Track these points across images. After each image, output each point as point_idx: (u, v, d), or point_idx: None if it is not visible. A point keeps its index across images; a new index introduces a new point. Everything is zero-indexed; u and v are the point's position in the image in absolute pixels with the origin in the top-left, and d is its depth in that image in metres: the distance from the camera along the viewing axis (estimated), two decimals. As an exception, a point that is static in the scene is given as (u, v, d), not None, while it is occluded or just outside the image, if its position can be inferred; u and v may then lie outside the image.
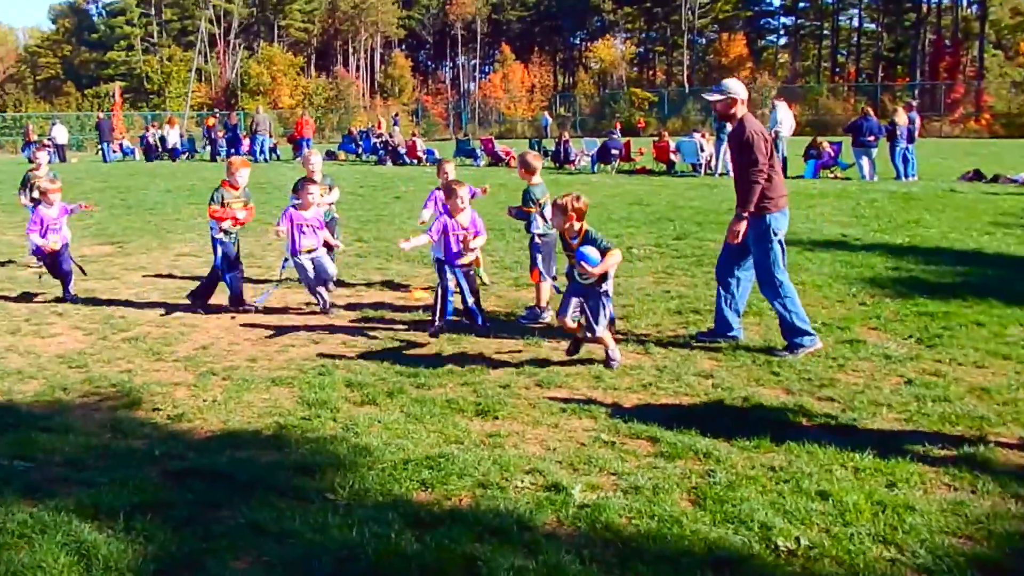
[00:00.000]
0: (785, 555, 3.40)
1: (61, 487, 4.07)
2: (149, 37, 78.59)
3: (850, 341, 6.42)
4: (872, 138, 19.72)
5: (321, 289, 7.65)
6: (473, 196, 7.13)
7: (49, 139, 36.51)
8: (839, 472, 4.13)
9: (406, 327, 7.17)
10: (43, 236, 8.32)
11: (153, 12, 78.31)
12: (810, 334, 6.25)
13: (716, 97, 6.39)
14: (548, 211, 6.74)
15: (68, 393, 5.53)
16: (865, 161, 19.89)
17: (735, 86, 6.39)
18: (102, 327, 7.28)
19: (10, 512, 3.76)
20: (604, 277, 5.86)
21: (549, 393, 5.45)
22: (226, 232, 7.78)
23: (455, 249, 6.66)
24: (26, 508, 3.80)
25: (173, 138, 35.23)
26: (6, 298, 8.60)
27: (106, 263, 10.42)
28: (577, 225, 5.79)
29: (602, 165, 24.45)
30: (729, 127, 6.61)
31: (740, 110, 6.31)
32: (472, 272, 6.91)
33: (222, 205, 7.72)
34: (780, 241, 6.29)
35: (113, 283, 9.20)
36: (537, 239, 7.41)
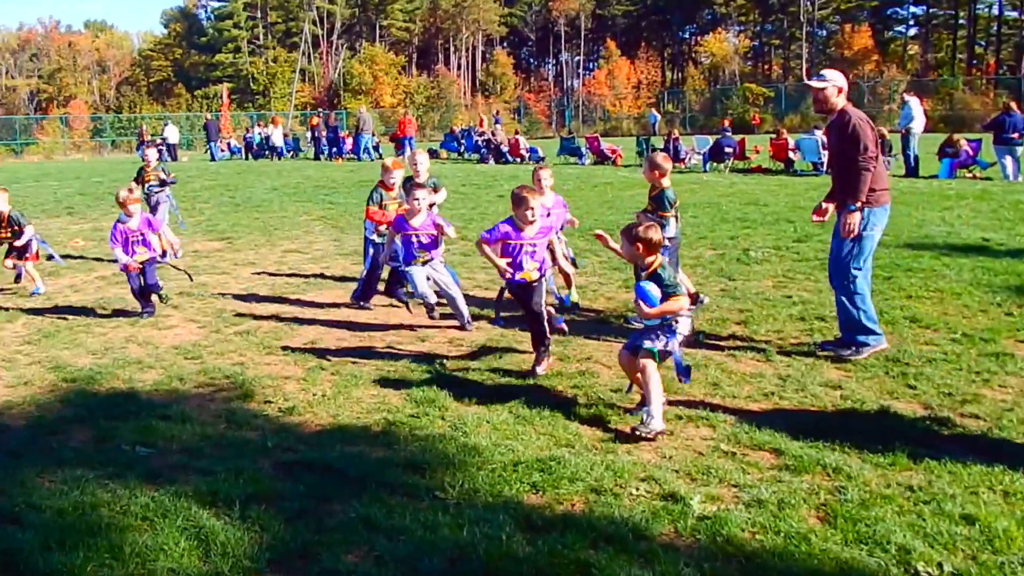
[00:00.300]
0: (926, 580, 3.25)
1: (180, 474, 4.26)
2: (255, 39, 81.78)
3: (995, 354, 6.07)
4: (1016, 135, 18.75)
5: (459, 303, 7.05)
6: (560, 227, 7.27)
7: (161, 139, 38.42)
8: (986, 495, 3.91)
9: (515, 327, 7.20)
10: (129, 252, 7.84)
11: (259, 15, 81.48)
12: (876, 333, 6.13)
13: (818, 84, 6.25)
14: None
15: (185, 383, 5.79)
16: (1008, 160, 18.92)
17: (835, 75, 6.30)
18: (215, 320, 7.61)
19: (133, 495, 3.95)
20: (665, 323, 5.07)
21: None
22: (380, 234, 7.81)
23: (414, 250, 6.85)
24: (148, 492, 3.99)
25: (277, 138, 36.52)
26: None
27: (217, 258, 10.87)
28: (649, 259, 5.04)
29: (715, 164, 24.05)
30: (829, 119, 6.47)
31: (840, 100, 6.21)
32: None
33: (380, 207, 7.80)
34: (872, 237, 6.15)
35: (224, 278, 9.59)
36: (667, 242, 7.30)
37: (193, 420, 5.04)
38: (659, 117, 53.14)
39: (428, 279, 6.86)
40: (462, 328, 7.09)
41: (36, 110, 78.95)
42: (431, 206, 8.31)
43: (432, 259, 6.90)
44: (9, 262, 9.24)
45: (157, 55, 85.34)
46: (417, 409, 5.19)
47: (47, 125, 61.84)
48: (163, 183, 11.26)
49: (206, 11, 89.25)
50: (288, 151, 37.25)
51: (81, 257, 11.39)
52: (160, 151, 11.52)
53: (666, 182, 7.54)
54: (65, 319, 7.81)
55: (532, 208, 5.89)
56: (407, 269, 6.85)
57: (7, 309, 8.26)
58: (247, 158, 35.95)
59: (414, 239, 6.81)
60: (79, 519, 3.74)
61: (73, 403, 5.42)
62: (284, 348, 6.61)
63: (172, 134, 38.27)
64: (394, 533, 3.61)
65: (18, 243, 9.00)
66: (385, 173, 8.02)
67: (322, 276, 9.60)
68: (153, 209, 10.90)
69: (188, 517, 3.73)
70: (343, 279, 9.43)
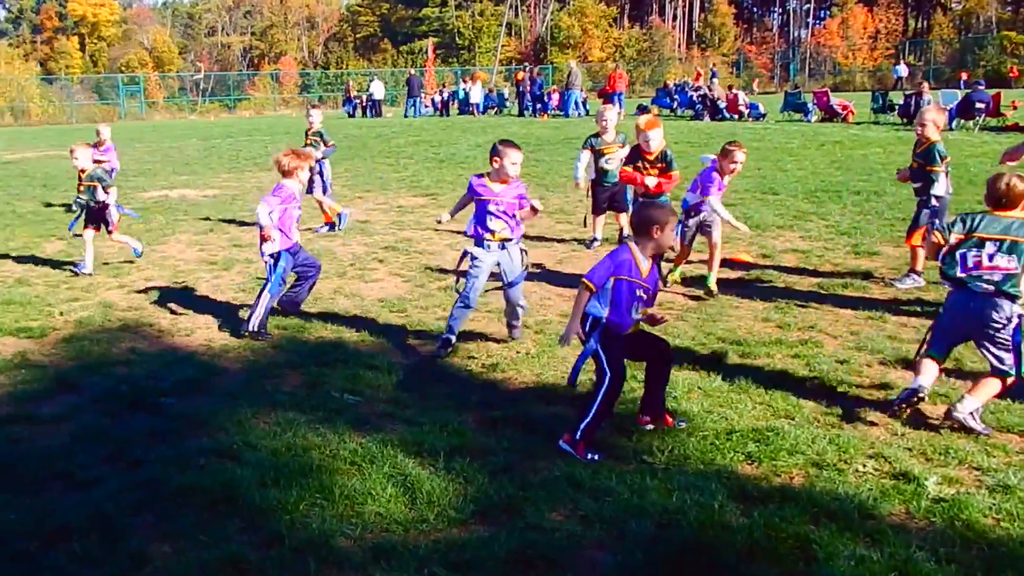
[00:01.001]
0: None
1: (386, 422, 4.53)
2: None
3: None
4: None
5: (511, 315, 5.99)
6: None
7: (368, 94, 40.37)
8: None
9: (728, 292, 7.07)
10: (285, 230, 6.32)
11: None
12: None
13: None
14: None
15: (389, 335, 6.12)
16: None
17: None
18: (419, 275, 7.98)
19: (342, 441, 4.24)
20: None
21: (897, 373, 5.14)
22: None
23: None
24: (356, 438, 4.28)
25: (476, 95, 37.36)
26: (335, 248, 9.66)
27: (421, 214, 11.34)
28: None
29: (962, 121, 22.34)
30: None
31: None
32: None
33: (635, 169, 7.53)
34: None
35: (428, 233, 10.01)
36: (935, 201, 7.11)
37: (398, 371, 5.33)
38: (906, 70, 50.00)
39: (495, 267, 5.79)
40: (510, 336, 5.99)
41: (248, 66, 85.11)
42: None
43: (512, 240, 5.79)
44: (89, 232, 8.51)
45: (364, 10, 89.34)
46: (628, 372, 5.21)
47: (258, 81, 66.53)
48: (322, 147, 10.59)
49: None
50: (491, 106, 38.11)
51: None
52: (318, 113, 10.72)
53: (935, 135, 7.30)
54: (278, 269, 8.42)
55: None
56: (472, 250, 5.77)
57: (223, 258, 9.00)
58: (442, 115, 37.12)
59: (493, 208, 5.72)
60: (292, 460, 4.06)
61: (285, 350, 5.87)
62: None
63: (378, 90, 40.05)
64: (600, 494, 3.68)
65: (96, 204, 8.44)
66: (639, 133, 7.49)
67: (526, 234, 9.79)
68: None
69: (395, 465, 3.96)
70: (542, 239, 9.58)
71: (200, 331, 6.38)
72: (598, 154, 8.95)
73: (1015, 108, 22.52)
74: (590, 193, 9.17)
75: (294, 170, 6.37)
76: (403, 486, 3.78)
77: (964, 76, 50.22)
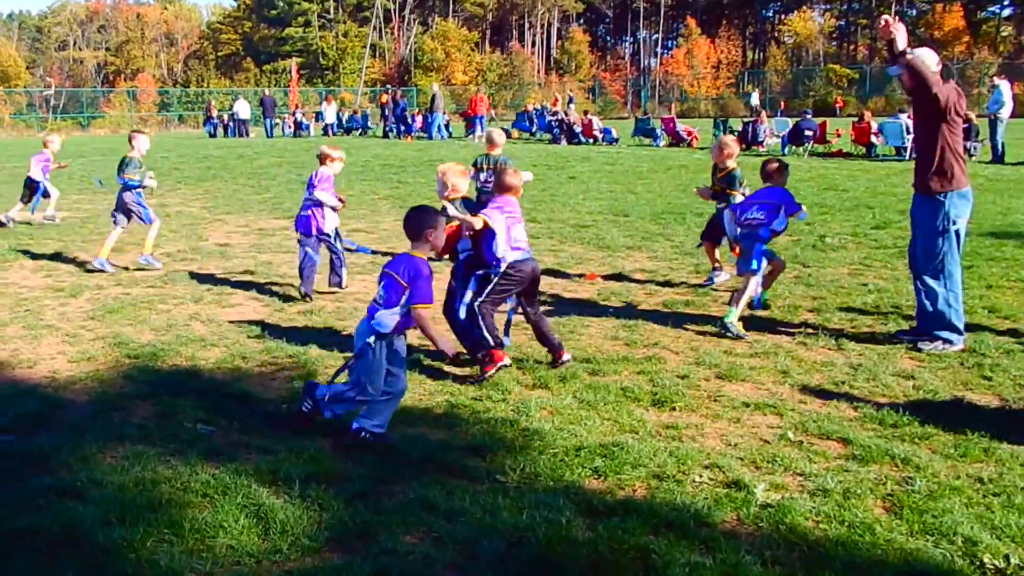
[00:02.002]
0: (992, 573, 3.24)
1: (241, 452, 4.40)
2: (326, 13, 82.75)
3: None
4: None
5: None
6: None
7: (231, 113, 39.25)
8: (1062, 490, 3.85)
9: (580, 311, 7.23)
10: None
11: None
12: (960, 333, 6.11)
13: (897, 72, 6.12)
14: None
15: (247, 362, 5.96)
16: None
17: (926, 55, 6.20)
18: (278, 299, 7.79)
19: (194, 472, 4.10)
20: None
21: (731, 387, 5.37)
22: None
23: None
24: (209, 469, 4.14)
25: (330, 115, 36.92)
26: (191, 272, 9.34)
27: (282, 236, 11.11)
28: None
29: (793, 147, 23.66)
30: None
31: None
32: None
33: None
34: (958, 230, 6.09)
35: (288, 256, 9.78)
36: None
37: (255, 399, 5.20)
38: (757, 97, 52.19)
39: None
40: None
41: (103, 83, 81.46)
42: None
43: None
44: None
45: (226, 28, 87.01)
46: (479, 392, 5.27)
47: (114, 98, 63.73)
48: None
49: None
50: (355, 127, 37.81)
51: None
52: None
53: (732, 163, 8.16)
54: (129, 294, 8.08)
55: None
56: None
57: (70, 284, 8.57)
58: (295, 135, 36.79)
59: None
60: (140, 495, 3.88)
61: (136, 379, 5.61)
62: (347, 328, 6.74)
63: (243, 109, 39.03)
64: (453, 515, 3.69)
65: None
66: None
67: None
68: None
69: (248, 495, 3.85)
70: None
71: (44, 362, 6.04)
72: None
73: (839, 135, 23.99)
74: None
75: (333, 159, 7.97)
76: (256, 516, 3.68)
77: (782, 105, 53.25)
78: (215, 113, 41.27)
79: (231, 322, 7.03)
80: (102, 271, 8.99)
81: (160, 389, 5.36)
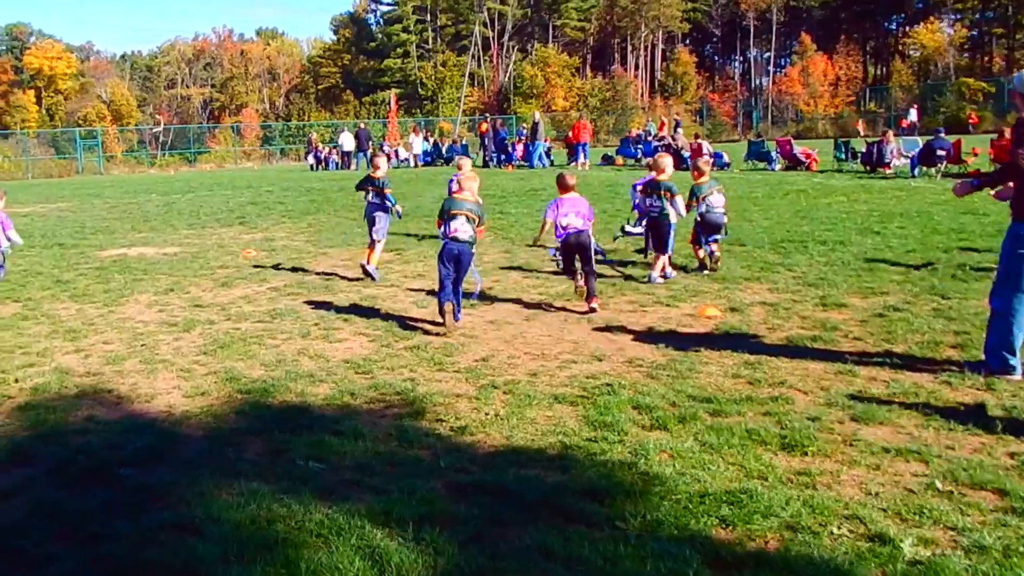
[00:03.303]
0: None
1: (353, 491, 4.48)
2: (424, 44, 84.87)
3: None
4: None
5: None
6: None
7: (337, 146, 40.46)
8: None
9: (697, 347, 7.12)
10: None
11: (428, 18, 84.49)
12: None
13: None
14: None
15: (356, 398, 6.08)
16: None
17: None
18: (385, 334, 7.94)
19: (308, 512, 4.19)
20: None
21: (868, 430, 5.17)
22: None
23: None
24: (322, 509, 4.22)
25: (417, 147, 37.47)
26: (297, 306, 9.63)
27: (386, 270, 11.34)
28: None
29: (924, 168, 22.87)
30: None
31: None
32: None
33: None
34: None
35: (394, 291, 10.01)
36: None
37: (365, 436, 5.28)
38: (915, 113, 50.71)
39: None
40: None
41: (209, 119, 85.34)
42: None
43: None
44: None
45: (326, 61, 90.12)
46: (594, 433, 5.23)
47: (219, 134, 66.73)
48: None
49: (375, 16, 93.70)
50: (457, 156, 38.42)
51: (257, 266, 12.16)
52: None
53: (664, 177, 10.15)
54: (239, 329, 8.38)
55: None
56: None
57: (183, 319, 8.93)
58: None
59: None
60: (256, 532, 3.99)
61: (248, 415, 5.80)
62: (455, 365, 6.82)
63: (347, 142, 40.19)
64: (572, 563, 3.65)
65: None
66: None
67: (492, 288, 9.83)
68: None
69: (362, 536, 3.91)
70: (514, 292, 9.62)
71: (160, 397, 6.30)
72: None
73: (976, 155, 23.10)
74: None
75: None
76: (371, 559, 3.73)
77: (904, 124, 51.63)
78: (317, 146, 42.63)
79: (339, 358, 7.19)
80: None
81: (272, 425, 5.52)
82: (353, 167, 38.90)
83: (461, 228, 7.97)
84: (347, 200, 21.60)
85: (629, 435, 5.19)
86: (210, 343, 7.84)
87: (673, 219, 9.98)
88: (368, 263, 10.70)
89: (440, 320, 7.99)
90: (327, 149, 41.67)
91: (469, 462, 4.85)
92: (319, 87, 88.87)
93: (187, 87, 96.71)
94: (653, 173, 10.48)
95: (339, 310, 9.04)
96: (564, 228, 8.64)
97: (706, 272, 10.28)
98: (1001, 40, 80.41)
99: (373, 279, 10.56)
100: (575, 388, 6.13)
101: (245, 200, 23.65)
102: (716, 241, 10.52)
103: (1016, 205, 6.06)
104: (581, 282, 8.70)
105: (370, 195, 10.79)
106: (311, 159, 41.69)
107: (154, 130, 64.19)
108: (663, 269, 10.05)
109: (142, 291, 10.60)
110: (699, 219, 10.40)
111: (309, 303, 9.51)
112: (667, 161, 10.33)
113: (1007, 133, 22.17)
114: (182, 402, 6.16)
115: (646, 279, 10.01)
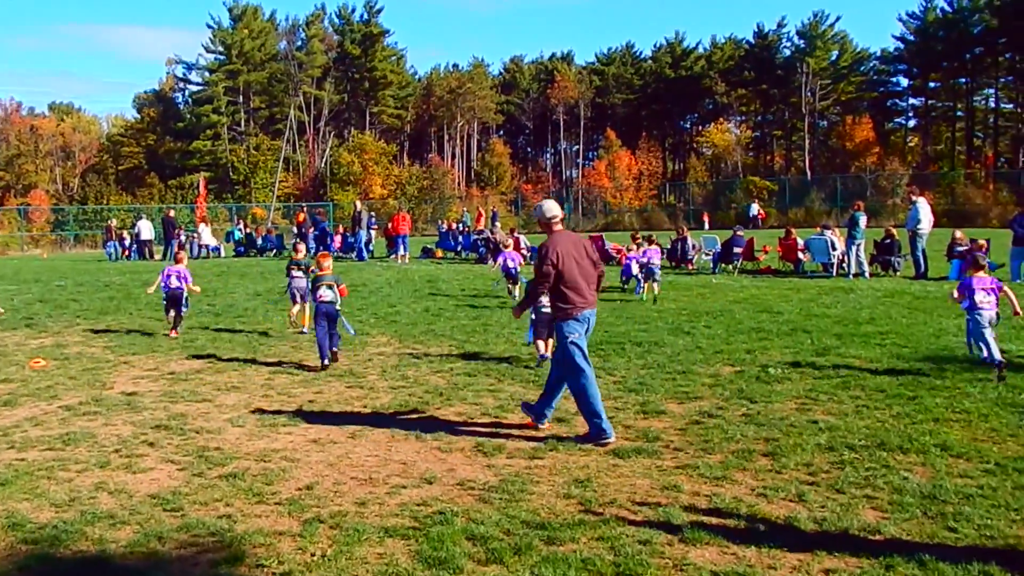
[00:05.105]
0: None
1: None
2: (236, 126, 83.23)
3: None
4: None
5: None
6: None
7: (134, 233, 38.40)
8: None
9: (528, 464, 7.05)
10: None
11: (241, 100, 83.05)
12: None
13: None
14: None
15: (164, 543, 5.54)
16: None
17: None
18: (197, 461, 7.35)
19: None
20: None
21: (696, 552, 5.23)
22: None
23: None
24: None
25: (206, 236, 36.32)
26: (95, 429, 8.88)
27: (196, 381, 10.67)
28: None
29: (723, 265, 24.28)
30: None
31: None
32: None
33: None
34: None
35: (205, 407, 9.37)
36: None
37: (176, 590, 4.83)
38: (757, 207, 53.55)
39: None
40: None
41: (-9, 200, 79.43)
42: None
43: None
44: None
45: (128, 141, 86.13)
46: (428, 572, 5.01)
47: (3, 216, 62.24)
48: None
49: (183, 95, 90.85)
50: (270, 247, 37.49)
51: (46, 380, 11.12)
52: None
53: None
54: (24, 460, 7.48)
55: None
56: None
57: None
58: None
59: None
60: None
61: (34, 571, 5.18)
62: (276, 495, 6.42)
63: (145, 229, 38.25)
64: None
65: None
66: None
67: (315, 402, 9.46)
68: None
69: None
70: (338, 406, 9.28)
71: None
72: None
73: (766, 252, 24.74)
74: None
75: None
76: None
77: (706, 217, 55.23)
78: (116, 233, 40.49)
79: (143, 492, 6.59)
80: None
81: (65, 584, 4.94)
82: (158, 257, 37.15)
83: (326, 293, 11.34)
84: (152, 298, 20.47)
85: (465, 572, 5.00)
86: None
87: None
88: (303, 323, 13.97)
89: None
90: (129, 236, 39.60)
91: (294, 615, 4.51)
92: (120, 167, 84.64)
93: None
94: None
95: (143, 432, 8.33)
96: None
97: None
98: (780, 141, 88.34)
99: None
100: (406, 518, 5.89)
101: (32, 297, 21.61)
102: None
103: (553, 306, 8.04)
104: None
105: (295, 275, 14.37)
106: (111, 248, 39.46)
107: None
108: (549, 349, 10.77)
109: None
110: (534, 316, 10.82)
111: (108, 425, 8.72)
112: None
113: (793, 233, 24.11)
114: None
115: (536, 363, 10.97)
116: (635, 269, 19.15)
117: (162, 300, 14.82)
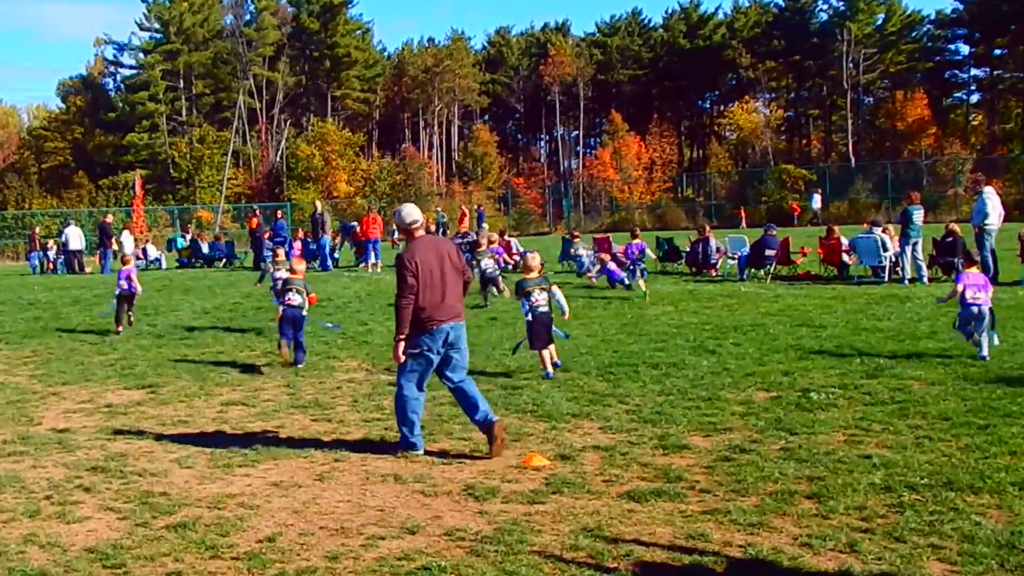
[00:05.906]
0: None
1: None
2: (176, 115, 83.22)
3: None
4: None
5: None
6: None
7: (61, 242, 38.35)
8: None
9: (528, 509, 7.08)
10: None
11: (182, 85, 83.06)
12: None
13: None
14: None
15: (105, 607, 5.58)
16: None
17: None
18: (140, 508, 7.37)
19: None
20: None
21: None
22: None
23: None
24: None
25: (128, 246, 36.42)
26: (21, 472, 8.89)
27: (137, 415, 10.71)
28: None
29: (753, 270, 24.19)
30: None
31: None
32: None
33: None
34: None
35: (148, 444, 9.42)
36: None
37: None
38: (819, 200, 53.15)
39: None
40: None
41: None
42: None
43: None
44: None
45: (52, 134, 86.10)
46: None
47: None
48: None
49: (115, 81, 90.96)
50: (219, 256, 37.52)
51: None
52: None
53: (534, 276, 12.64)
54: (-55, 509, 7.56)
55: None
56: None
57: None
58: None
59: None
60: None
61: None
62: (233, 548, 6.43)
63: (74, 238, 38.21)
64: None
65: None
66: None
67: (275, 439, 9.48)
68: None
69: None
70: (302, 443, 9.30)
71: None
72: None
73: (804, 255, 24.65)
74: None
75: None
76: None
77: (742, 213, 55.01)
78: (40, 242, 40.48)
79: (79, 546, 6.61)
80: None
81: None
82: (89, 269, 37.15)
83: (294, 298, 13.01)
84: (82, 317, 20.49)
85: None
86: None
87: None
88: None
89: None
90: (55, 245, 39.60)
91: None
92: (43, 165, 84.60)
93: None
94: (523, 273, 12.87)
95: (78, 475, 8.37)
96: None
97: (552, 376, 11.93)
98: (817, 122, 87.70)
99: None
100: (385, 575, 5.92)
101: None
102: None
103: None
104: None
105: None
106: (35, 260, 39.46)
107: None
108: (552, 359, 12.21)
109: None
110: (530, 317, 12.18)
111: (37, 467, 8.76)
112: (536, 260, 12.88)
113: (836, 232, 24.01)
114: None
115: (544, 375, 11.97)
116: (613, 266, 22.76)
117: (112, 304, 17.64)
